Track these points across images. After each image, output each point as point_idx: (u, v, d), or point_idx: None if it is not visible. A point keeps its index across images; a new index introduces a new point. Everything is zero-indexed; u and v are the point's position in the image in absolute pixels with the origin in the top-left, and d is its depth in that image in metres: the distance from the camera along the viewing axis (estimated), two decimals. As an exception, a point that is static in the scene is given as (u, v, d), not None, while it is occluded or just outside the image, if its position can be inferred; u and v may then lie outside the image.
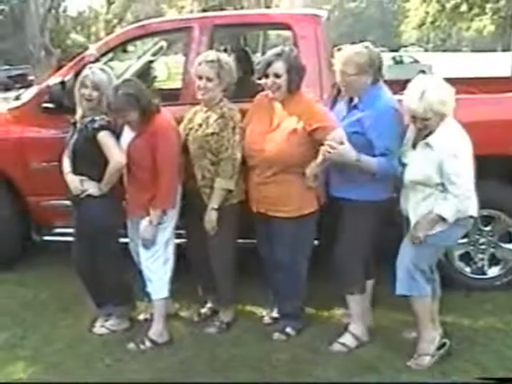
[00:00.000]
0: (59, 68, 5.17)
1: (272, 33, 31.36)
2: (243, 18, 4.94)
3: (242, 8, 30.72)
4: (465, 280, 4.15)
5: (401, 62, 29.94)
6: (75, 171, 3.50)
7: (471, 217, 3.20)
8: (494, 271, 4.17)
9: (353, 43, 3.45)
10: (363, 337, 3.50)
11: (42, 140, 4.40)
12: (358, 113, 3.28)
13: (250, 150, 3.43)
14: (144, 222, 3.47)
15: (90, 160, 3.45)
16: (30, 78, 18.47)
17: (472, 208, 3.16)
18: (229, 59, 3.57)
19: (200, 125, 3.50)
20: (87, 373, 3.33)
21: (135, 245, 3.71)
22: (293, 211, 3.40)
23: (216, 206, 3.45)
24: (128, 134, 3.50)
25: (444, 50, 62.03)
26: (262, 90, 3.58)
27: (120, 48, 4.68)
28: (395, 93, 3.43)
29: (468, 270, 4.18)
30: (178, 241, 3.74)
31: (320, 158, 3.19)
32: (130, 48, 6.00)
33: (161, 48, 5.78)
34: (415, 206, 3.20)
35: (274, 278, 3.62)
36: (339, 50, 3.39)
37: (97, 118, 3.40)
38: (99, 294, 3.76)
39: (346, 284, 3.51)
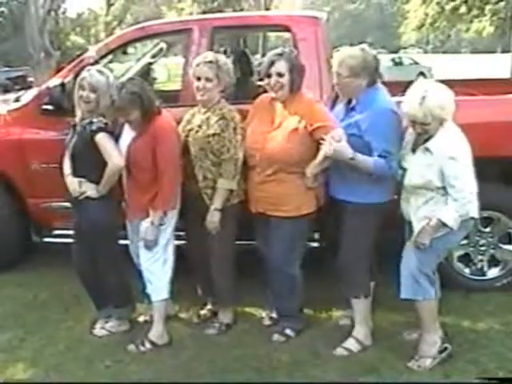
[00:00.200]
0: (59, 70, 5.17)
1: (271, 35, 31.43)
2: (243, 20, 4.94)
3: (241, 10, 30.79)
4: (464, 281, 4.15)
5: (400, 63, 29.96)
6: (75, 173, 3.50)
7: (472, 218, 3.20)
8: (493, 272, 4.17)
9: (351, 45, 3.46)
10: (366, 341, 3.50)
11: (42, 142, 4.40)
12: (355, 115, 3.29)
13: (251, 150, 3.44)
14: (145, 224, 3.47)
15: (89, 162, 3.45)
16: (30, 79, 18.45)
17: (473, 209, 3.16)
18: (226, 60, 3.59)
19: (200, 126, 3.50)
20: (87, 374, 3.33)
21: (135, 246, 3.71)
22: (292, 211, 3.41)
23: (219, 207, 3.47)
24: (127, 135, 3.50)
25: (443, 52, 62.18)
26: (263, 91, 3.59)
27: (120, 50, 4.68)
28: (394, 94, 3.43)
29: (468, 271, 4.18)
30: (177, 242, 3.75)
31: (320, 156, 3.20)
32: (129, 50, 6.00)
33: (160, 50, 5.79)
34: (417, 210, 3.20)
35: (271, 277, 3.62)
36: (338, 51, 3.41)
37: (95, 120, 3.41)
38: (99, 296, 3.76)
39: (351, 288, 3.52)
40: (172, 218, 3.54)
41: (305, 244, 3.65)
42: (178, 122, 3.61)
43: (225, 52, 6.08)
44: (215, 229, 3.50)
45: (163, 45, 5.74)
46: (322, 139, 3.16)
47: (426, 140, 3.10)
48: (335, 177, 3.39)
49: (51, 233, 4.61)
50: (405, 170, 3.23)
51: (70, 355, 3.53)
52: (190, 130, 3.54)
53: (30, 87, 9.69)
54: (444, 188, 3.06)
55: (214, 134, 3.44)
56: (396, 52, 44.55)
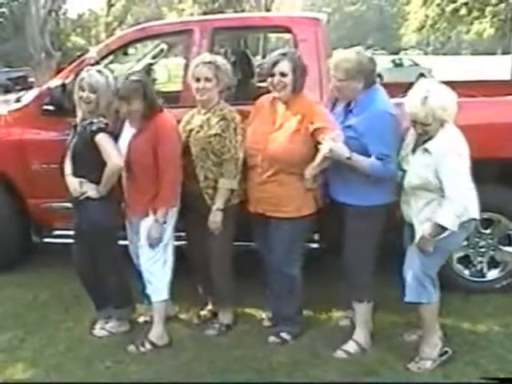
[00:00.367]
0: (59, 70, 5.18)
1: (272, 36, 31.45)
2: (243, 21, 4.95)
3: (242, 11, 30.80)
4: (464, 283, 4.16)
5: (400, 65, 30.00)
6: (75, 173, 3.51)
7: (474, 219, 3.20)
8: (493, 274, 4.18)
9: (352, 46, 3.46)
10: (366, 344, 3.50)
11: (43, 142, 4.41)
12: (352, 117, 3.29)
13: (253, 150, 3.45)
14: (149, 222, 3.47)
15: (89, 162, 3.46)
16: (31, 80, 18.46)
17: (474, 211, 3.16)
18: (224, 61, 3.61)
19: (201, 126, 3.51)
20: (87, 374, 3.33)
21: (134, 247, 3.72)
22: (292, 212, 3.41)
23: (221, 207, 3.48)
24: (127, 134, 3.50)
25: (444, 53, 62.18)
26: (263, 92, 3.60)
27: (120, 50, 4.68)
28: (395, 96, 3.43)
29: (467, 272, 4.18)
30: (177, 243, 3.75)
31: (318, 157, 3.20)
32: (130, 51, 6.01)
33: (161, 51, 5.80)
34: (418, 213, 3.19)
35: (271, 278, 3.62)
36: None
37: (95, 120, 3.41)
38: (99, 296, 3.77)
39: (355, 292, 3.52)
40: (172, 216, 3.54)
41: (304, 245, 3.65)
42: (179, 123, 3.62)
43: (225, 53, 6.09)
44: (217, 229, 3.51)
45: (164, 46, 5.74)
46: (321, 140, 3.17)
47: (426, 141, 3.10)
48: (335, 179, 3.39)
49: (51, 233, 4.61)
50: (405, 171, 3.22)
51: (70, 355, 3.53)
52: (191, 131, 3.54)
53: (30, 88, 9.69)
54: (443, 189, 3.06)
55: (215, 135, 3.46)
56: (396, 53, 44.57)
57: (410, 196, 3.23)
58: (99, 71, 3.52)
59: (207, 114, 3.54)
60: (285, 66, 3.34)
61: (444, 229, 3.03)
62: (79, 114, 3.53)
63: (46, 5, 18.23)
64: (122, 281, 3.71)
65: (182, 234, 3.83)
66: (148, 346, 3.56)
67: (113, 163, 3.39)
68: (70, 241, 3.76)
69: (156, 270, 3.57)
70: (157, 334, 3.60)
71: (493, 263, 4.18)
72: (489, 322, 3.77)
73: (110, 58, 4.62)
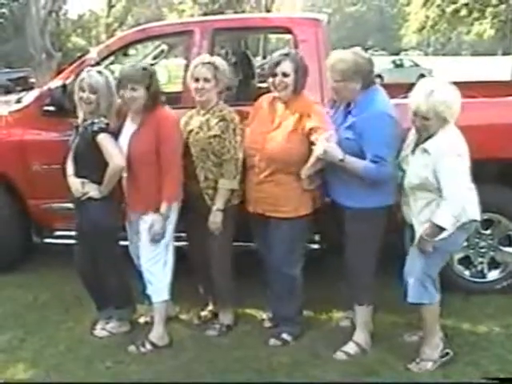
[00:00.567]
0: (60, 71, 5.18)
1: (272, 36, 31.45)
2: (244, 22, 4.95)
3: (242, 12, 30.80)
4: (464, 283, 4.15)
5: (401, 65, 30.04)
6: (77, 174, 3.51)
7: (474, 220, 3.20)
8: (493, 275, 4.17)
9: (352, 47, 3.46)
10: (366, 345, 3.49)
11: (43, 143, 4.41)
12: (351, 118, 3.27)
13: (251, 150, 3.46)
14: (149, 220, 3.47)
15: (91, 163, 3.46)
16: (31, 80, 18.46)
17: (474, 212, 3.16)
18: (223, 62, 3.63)
19: (200, 127, 3.52)
20: (87, 375, 3.33)
21: (135, 247, 3.72)
22: (290, 212, 3.41)
23: (221, 207, 3.49)
24: (128, 131, 3.50)
25: (444, 54, 62.20)
26: (263, 92, 3.60)
27: (121, 51, 4.68)
28: (395, 96, 3.42)
29: (468, 273, 4.18)
30: (178, 243, 3.75)
31: (312, 158, 3.20)
32: (131, 51, 6.01)
33: (161, 52, 5.80)
34: (418, 214, 3.19)
35: (271, 279, 3.62)
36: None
37: (96, 120, 3.41)
38: (100, 297, 3.77)
39: (356, 295, 3.52)
40: (172, 219, 3.54)
41: (305, 245, 3.65)
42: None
43: (226, 54, 6.09)
44: (217, 229, 3.51)
45: (164, 46, 5.75)
46: (314, 141, 3.16)
47: (426, 140, 3.09)
48: (333, 180, 3.38)
49: (52, 234, 4.62)
50: (405, 172, 3.22)
51: (70, 356, 3.53)
52: (190, 132, 3.55)
53: (31, 88, 9.71)
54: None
55: (214, 136, 3.47)
56: (397, 54, 44.62)
57: (409, 197, 3.23)
58: (99, 72, 3.52)
59: (206, 114, 3.55)
60: (287, 66, 3.34)
61: (441, 229, 3.03)
62: (80, 114, 3.53)
63: (46, 5, 18.23)
64: (122, 281, 3.71)
65: (183, 234, 3.84)
66: (148, 346, 3.56)
67: (114, 163, 3.39)
68: (71, 241, 3.77)
69: (157, 270, 3.57)
70: (157, 334, 3.61)
71: (493, 264, 4.18)
72: (489, 322, 3.76)
73: (111, 58, 4.63)
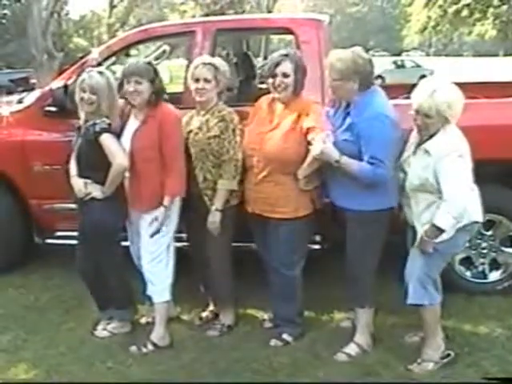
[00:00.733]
0: (61, 72, 5.19)
1: (274, 37, 31.44)
2: (245, 23, 4.95)
3: (243, 13, 30.80)
4: (466, 284, 4.15)
5: (402, 66, 30.05)
6: (80, 175, 3.51)
7: (476, 222, 3.19)
8: (495, 275, 4.17)
9: (351, 47, 3.45)
10: (367, 347, 3.49)
11: (45, 143, 4.42)
12: (349, 119, 3.25)
13: (249, 150, 3.46)
14: (149, 219, 3.47)
15: (94, 163, 3.46)
16: (33, 81, 18.46)
17: (476, 213, 3.15)
18: (224, 62, 3.64)
19: (200, 128, 3.53)
20: (89, 375, 3.34)
21: (136, 248, 3.72)
22: (289, 213, 3.41)
23: (220, 208, 3.49)
24: (131, 128, 3.51)
25: (446, 55, 62.16)
26: (265, 93, 3.60)
27: (123, 52, 4.68)
28: (396, 97, 3.42)
29: (469, 274, 4.17)
30: (179, 244, 3.76)
31: (308, 158, 3.19)
32: (132, 52, 6.02)
33: (163, 52, 5.80)
34: (419, 215, 3.18)
35: (271, 279, 3.62)
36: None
37: (98, 121, 3.41)
38: (102, 297, 3.77)
39: (357, 298, 3.51)
40: (173, 220, 3.54)
41: (306, 246, 3.65)
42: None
43: (227, 55, 6.09)
44: (216, 229, 3.51)
45: (166, 47, 5.75)
46: (311, 141, 3.16)
47: (427, 141, 3.09)
48: (332, 181, 3.37)
49: (53, 234, 4.62)
50: (406, 173, 3.20)
51: (71, 356, 3.54)
52: (190, 132, 3.56)
53: (32, 89, 9.70)
54: None
55: (214, 136, 3.48)
56: (398, 55, 44.60)
57: (411, 198, 3.22)
58: (100, 72, 3.52)
59: (206, 115, 3.55)
60: (287, 66, 3.34)
61: (441, 231, 3.02)
62: (81, 115, 3.54)
63: (48, 6, 18.23)
64: (123, 282, 3.72)
65: (183, 235, 3.84)
66: (150, 346, 3.56)
67: (118, 163, 3.40)
68: (72, 242, 3.77)
69: (158, 270, 3.57)
70: (158, 334, 3.61)
71: (494, 265, 4.17)
72: (490, 323, 3.76)
73: (113, 59, 4.63)
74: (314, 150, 3.11)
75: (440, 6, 26.02)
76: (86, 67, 4.10)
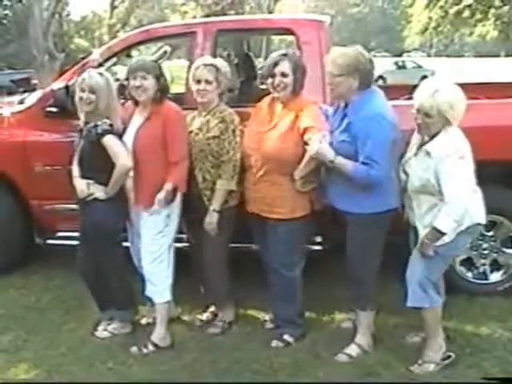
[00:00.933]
0: (63, 72, 5.19)
1: (274, 38, 31.46)
2: (246, 23, 4.95)
3: (242, 13, 30.81)
4: (467, 285, 4.15)
5: (403, 67, 30.04)
6: (83, 176, 3.50)
7: (479, 224, 3.18)
8: (496, 276, 4.16)
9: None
10: (368, 348, 3.49)
11: (46, 144, 4.43)
12: (347, 119, 3.23)
13: (248, 149, 3.47)
14: (149, 218, 3.47)
15: (97, 165, 3.46)
16: (34, 82, 18.47)
17: (478, 215, 3.14)
18: (225, 63, 3.64)
19: (200, 129, 3.54)
20: (89, 376, 3.34)
21: (136, 249, 3.72)
22: (286, 213, 3.41)
23: (218, 208, 3.49)
24: (135, 123, 3.52)
25: (447, 56, 62.15)
26: (266, 94, 3.60)
27: (124, 53, 4.68)
28: (397, 98, 3.41)
29: (470, 275, 4.17)
30: (179, 244, 3.76)
31: (305, 158, 3.19)
32: (133, 53, 6.01)
33: (164, 53, 5.80)
34: (421, 217, 3.17)
35: (270, 280, 3.62)
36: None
37: (99, 122, 3.41)
38: (102, 298, 3.77)
39: (358, 300, 3.51)
40: (174, 220, 3.54)
41: (304, 247, 3.64)
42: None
43: (228, 55, 6.09)
44: (213, 230, 3.51)
45: (167, 48, 5.75)
46: (307, 141, 3.16)
47: (428, 142, 3.08)
48: (329, 183, 3.37)
49: (54, 235, 4.62)
50: (408, 175, 3.19)
51: (72, 357, 3.54)
52: (190, 133, 3.56)
53: (34, 89, 9.70)
54: None
55: (214, 137, 3.49)
56: (399, 56, 44.59)
57: (413, 200, 3.21)
58: (100, 73, 3.53)
59: (207, 116, 3.56)
60: (286, 66, 3.34)
61: (442, 234, 3.01)
62: (81, 116, 3.54)
63: (49, 7, 18.27)
64: (124, 282, 3.72)
65: (183, 235, 3.84)
66: (150, 347, 3.56)
67: (121, 164, 3.40)
68: (73, 242, 3.77)
69: (159, 271, 3.57)
70: (159, 335, 3.61)
71: (495, 266, 4.17)
72: (492, 324, 3.75)
73: (114, 60, 4.64)
74: (311, 150, 3.11)
75: (441, 7, 26.01)
76: (87, 68, 4.11)
